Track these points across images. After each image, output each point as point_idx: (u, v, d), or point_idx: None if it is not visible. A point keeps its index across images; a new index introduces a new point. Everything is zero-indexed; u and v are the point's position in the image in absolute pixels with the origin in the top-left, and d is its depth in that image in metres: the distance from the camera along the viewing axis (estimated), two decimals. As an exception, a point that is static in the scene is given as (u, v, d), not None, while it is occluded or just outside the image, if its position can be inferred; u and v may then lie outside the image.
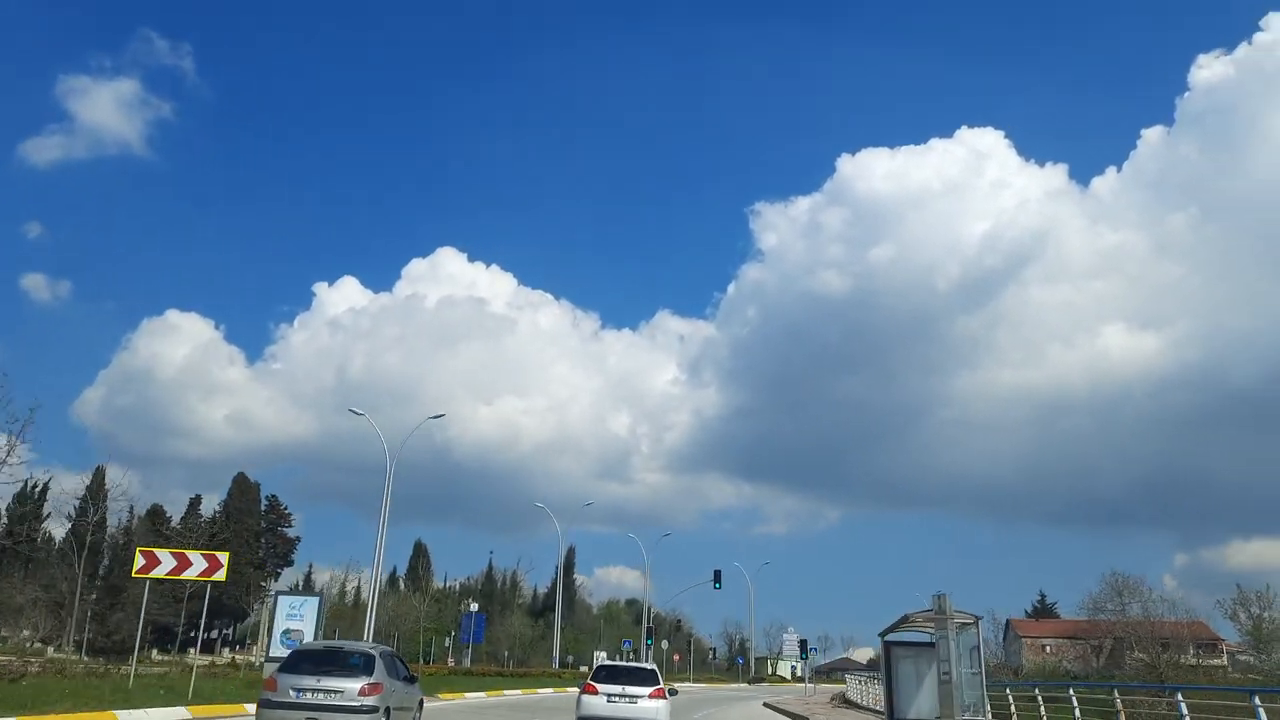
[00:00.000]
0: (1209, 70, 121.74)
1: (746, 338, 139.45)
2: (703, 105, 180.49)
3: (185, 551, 22.88)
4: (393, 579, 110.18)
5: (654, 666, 21.12)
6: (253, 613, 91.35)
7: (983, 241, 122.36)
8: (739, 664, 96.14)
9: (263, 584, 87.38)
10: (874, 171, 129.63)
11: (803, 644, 57.95)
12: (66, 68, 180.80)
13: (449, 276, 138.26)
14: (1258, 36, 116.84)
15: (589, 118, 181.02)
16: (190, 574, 21.89)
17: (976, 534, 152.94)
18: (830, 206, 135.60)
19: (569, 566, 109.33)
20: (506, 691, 39.66)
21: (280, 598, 29.88)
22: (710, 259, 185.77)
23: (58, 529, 75.08)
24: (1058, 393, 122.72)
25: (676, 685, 64.46)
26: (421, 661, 63.43)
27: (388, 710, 14.37)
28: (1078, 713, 20.80)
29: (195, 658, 40.63)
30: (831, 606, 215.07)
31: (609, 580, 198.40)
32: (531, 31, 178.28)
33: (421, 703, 17.66)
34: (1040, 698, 23.79)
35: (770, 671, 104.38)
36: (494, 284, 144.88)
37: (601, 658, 72.50)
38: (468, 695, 34.35)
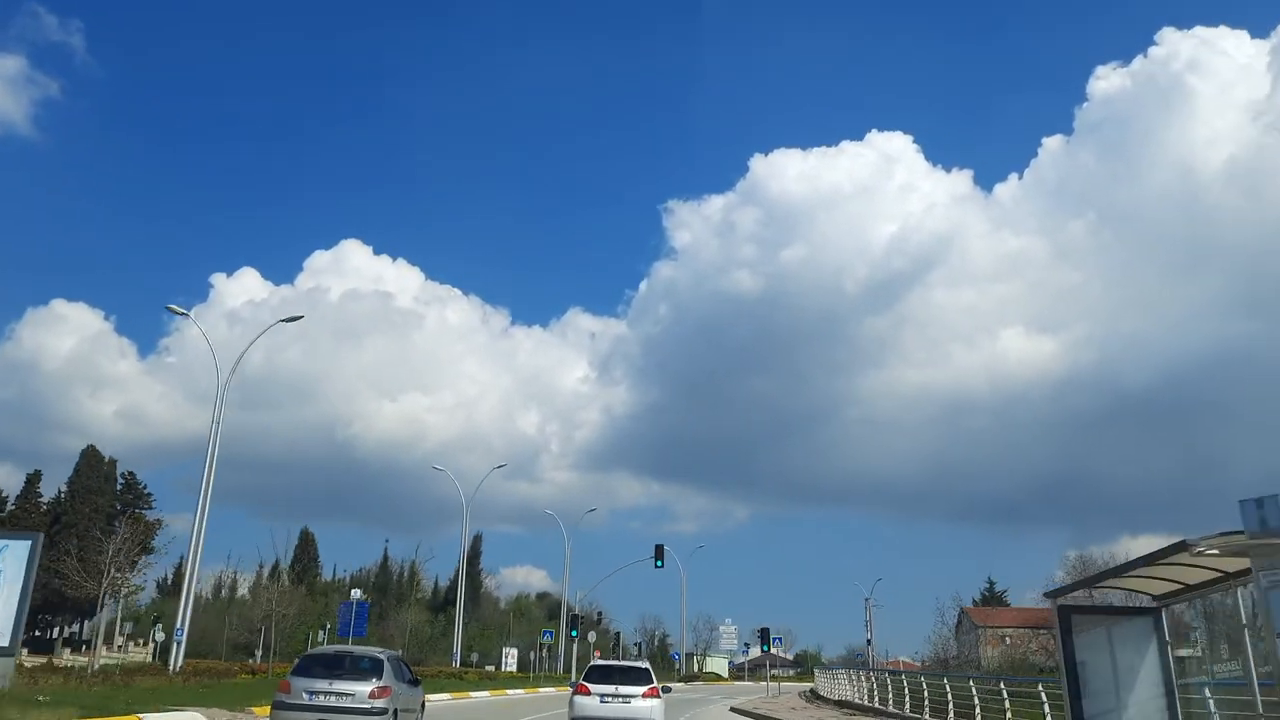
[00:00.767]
0: (1107, 82, 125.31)
1: (658, 336, 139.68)
2: (617, 102, 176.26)
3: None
4: (275, 572, 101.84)
5: (647, 665, 20.82)
6: (106, 608, 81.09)
7: (890, 244, 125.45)
8: (674, 660, 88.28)
9: (117, 574, 75.54)
10: (786, 172, 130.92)
11: (764, 633, 46.38)
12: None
13: (353, 269, 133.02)
14: (1153, 50, 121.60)
15: (501, 113, 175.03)
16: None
17: (881, 531, 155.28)
18: (743, 206, 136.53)
19: (474, 556, 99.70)
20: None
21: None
22: (623, 256, 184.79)
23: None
24: (959, 393, 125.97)
25: None
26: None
27: (395, 712, 14.88)
28: None
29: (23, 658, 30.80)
30: (742, 604, 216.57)
31: (516, 580, 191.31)
32: (445, 22, 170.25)
33: (424, 704, 18.32)
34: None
35: (698, 669, 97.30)
36: (401, 278, 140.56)
37: (512, 654, 63.68)
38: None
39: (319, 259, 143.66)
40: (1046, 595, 14.58)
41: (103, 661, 41.62)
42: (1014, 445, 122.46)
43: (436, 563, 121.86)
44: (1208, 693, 11.22)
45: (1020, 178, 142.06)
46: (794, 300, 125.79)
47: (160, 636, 59.39)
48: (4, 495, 73.29)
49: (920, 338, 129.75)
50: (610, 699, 18.50)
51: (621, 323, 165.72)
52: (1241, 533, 8.71)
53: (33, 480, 74.49)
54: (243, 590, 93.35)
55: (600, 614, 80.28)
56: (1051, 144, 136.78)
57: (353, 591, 51.35)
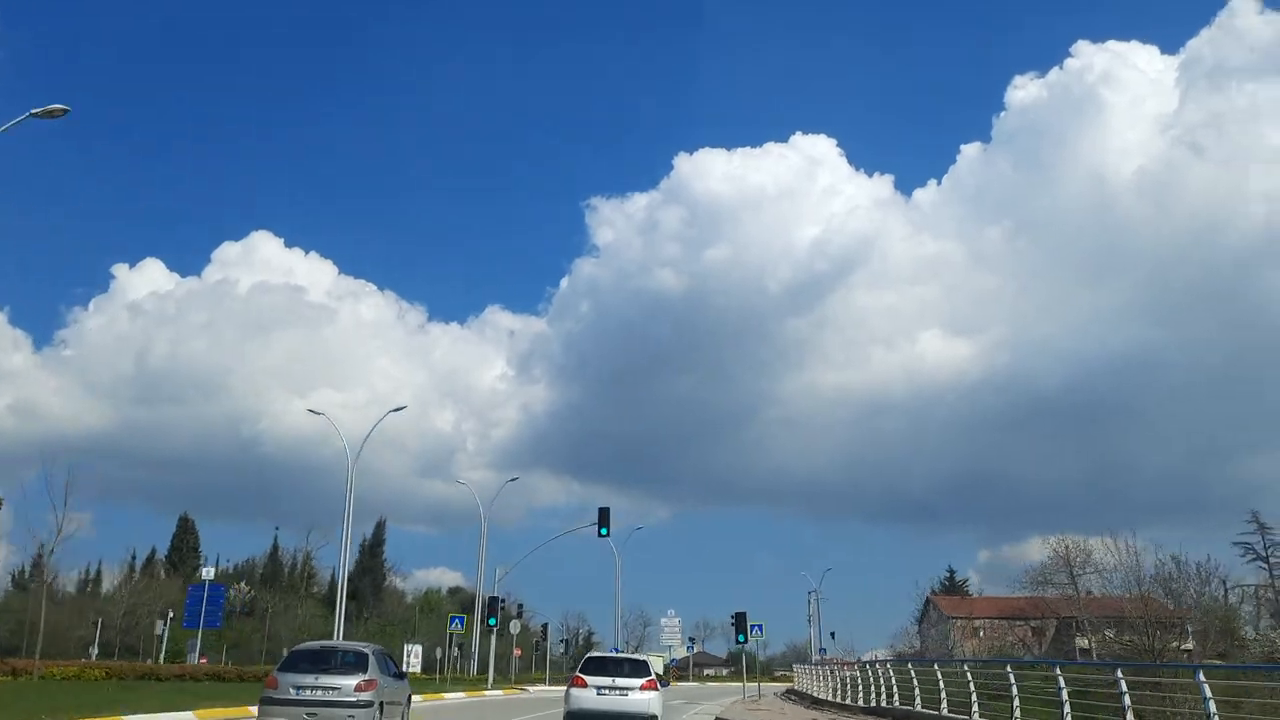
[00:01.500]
0: (1024, 91, 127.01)
1: (579, 334, 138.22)
2: (539, 97, 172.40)
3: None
4: (150, 562, 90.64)
5: (645, 658, 20.58)
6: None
7: (813, 246, 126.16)
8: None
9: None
10: (711, 172, 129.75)
11: (739, 618, 35.37)
12: None
13: (263, 262, 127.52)
14: (1068, 62, 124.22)
15: (420, 105, 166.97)
16: None
17: (800, 531, 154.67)
18: (667, 204, 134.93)
19: (377, 545, 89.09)
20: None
21: None
22: (544, 253, 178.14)
23: None
24: (878, 394, 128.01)
25: (531, 688, 46.12)
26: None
27: (381, 705, 15.06)
28: None
29: None
30: (667, 603, 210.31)
31: (429, 582, 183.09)
32: (364, 12, 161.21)
33: (410, 697, 18.34)
34: None
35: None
36: (313, 271, 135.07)
37: (416, 652, 53.65)
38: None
39: (228, 250, 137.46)
40: None
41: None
42: (930, 446, 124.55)
43: (333, 553, 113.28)
44: None
45: (939, 184, 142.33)
46: (717, 300, 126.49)
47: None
48: None
49: (841, 339, 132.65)
50: (607, 691, 18.26)
51: (542, 320, 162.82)
52: None
53: None
54: (109, 585, 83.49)
55: (521, 606, 70.39)
56: (970, 151, 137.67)
57: (203, 571, 41.27)
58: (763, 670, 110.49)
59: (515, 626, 58.32)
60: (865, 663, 39.26)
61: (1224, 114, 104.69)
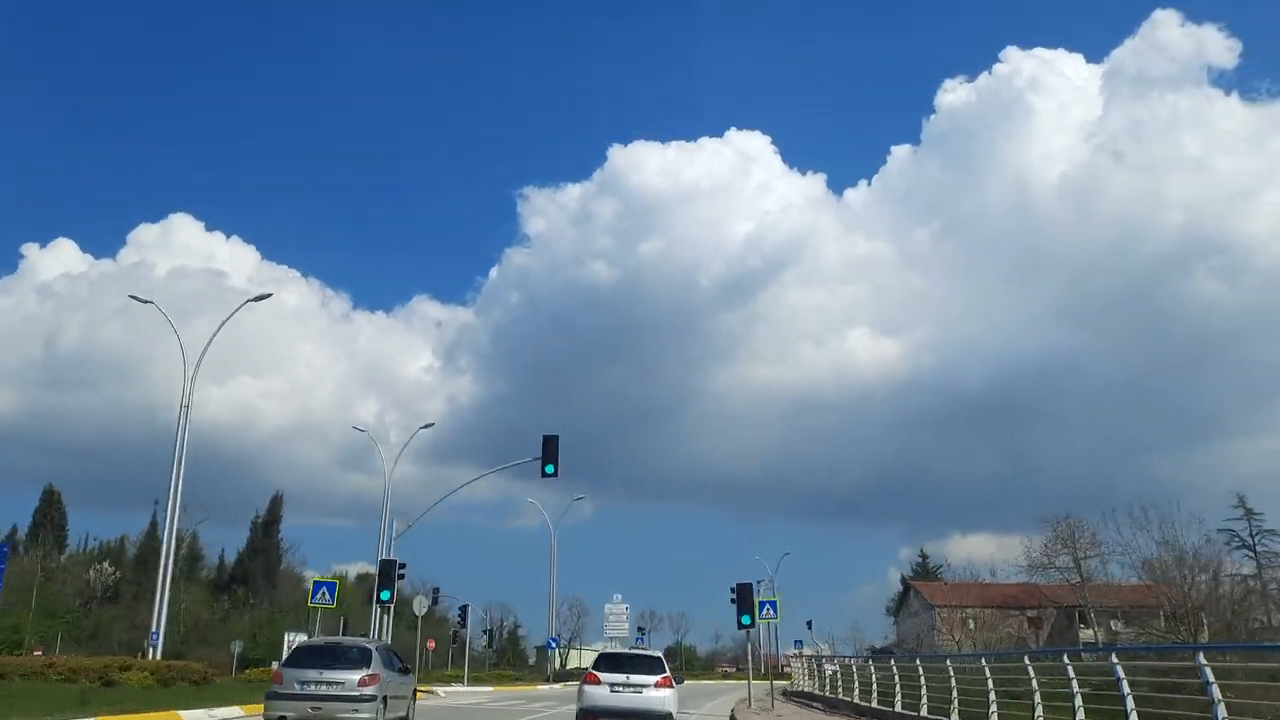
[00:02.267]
0: (953, 95, 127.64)
1: (508, 325, 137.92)
2: (471, 83, 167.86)
3: None
4: (12, 539, 78.94)
5: (660, 654, 19.71)
6: None
7: (746, 242, 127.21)
8: (551, 650, 68.20)
9: None
10: (646, 164, 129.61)
11: (741, 592, 26.08)
12: None
13: (182, 245, 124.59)
14: (997, 67, 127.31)
15: (347, 88, 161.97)
16: None
17: (723, 526, 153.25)
18: (601, 196, 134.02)
19: (273, 521, 78.22)
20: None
21: None
22: (474, 243, 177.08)
23: None
24: (806, 391, 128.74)
25: (442, 689, 38.57)
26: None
27: (385, 699, 15.24)
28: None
29: None
30: (598, 597, 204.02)
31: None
32: None
33: (415, 691, 18.69)
34: None
35: (561, 664, 79.09)
36: (234, 257, 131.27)
37: (298, 640, 43.90)
38: None
39: (145, 232, 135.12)
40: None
41: None
42: (857, 443, 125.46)
43: (227, 531, 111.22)
44: None
45: (870, 184, 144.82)
46: (650, 293, 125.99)
47: None
48: None
49: (772, 335, 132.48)
50: (621, 689, 17.80)
51: (469, 311, 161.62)
52: None
53: None
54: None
55: (437, 590, 60.38)
56: (900, 153, 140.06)
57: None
58: (704, 666, 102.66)
59: (421, 606, 48.71)
60: (865, 658, 35.12)
61: (1145, 123, 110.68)
